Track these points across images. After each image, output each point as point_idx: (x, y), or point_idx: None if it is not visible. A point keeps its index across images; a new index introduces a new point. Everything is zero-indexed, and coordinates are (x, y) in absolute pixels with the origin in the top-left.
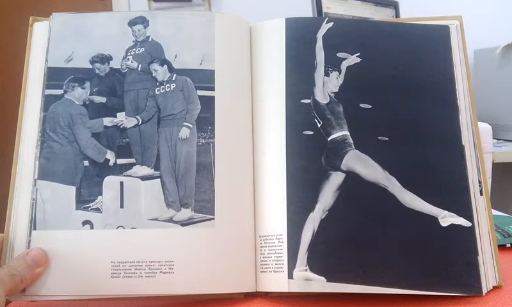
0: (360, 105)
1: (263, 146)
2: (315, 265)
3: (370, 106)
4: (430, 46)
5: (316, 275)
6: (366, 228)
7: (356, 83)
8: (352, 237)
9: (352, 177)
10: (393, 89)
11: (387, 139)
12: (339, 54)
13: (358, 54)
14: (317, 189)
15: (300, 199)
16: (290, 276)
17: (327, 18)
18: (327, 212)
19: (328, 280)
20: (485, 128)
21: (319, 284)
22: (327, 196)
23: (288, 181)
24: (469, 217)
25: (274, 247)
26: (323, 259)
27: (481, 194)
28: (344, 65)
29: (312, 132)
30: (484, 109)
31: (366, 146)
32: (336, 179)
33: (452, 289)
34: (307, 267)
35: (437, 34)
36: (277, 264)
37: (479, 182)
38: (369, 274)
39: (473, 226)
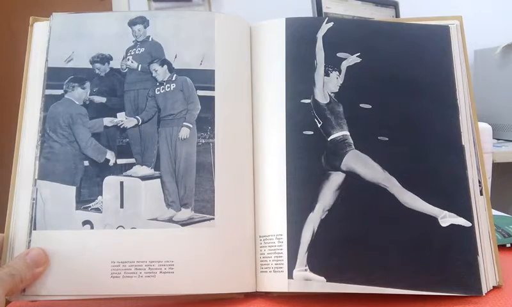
0: (360, 105)
1: (263, 146)
2: (315, 265)
3: (370, 106)
4: (430, 46)
5: (316, 275)
6: (366, 228)
7: (356, 83)
8: (352, 237)
9: (352, 177)
10: (393, 89)
11: (387, 139)
12: (339, 54)
13: (358, 54)
14: (316, 189)
15: (300, 199)
16: (290, 276)
17: (327, 18)
18: (327, 212)
19: (328, 280)
20: (485, 128)
21: (319, 284)
22: (327, 196)
23: (288, 181)
24: (469, 217)
25: (274, 247)
26: (323, 259)
27: (481, 194)
28: (344, 65)
29: (312, 132)
30: (484, 109)
31: (366, 146)
32: (336, 179)
33: (452, 289)
34: (307, 267)
35: (437, 34)
36: (277, 264)
37: (479, 182)
38: (369, 273)
39: (473, 226)
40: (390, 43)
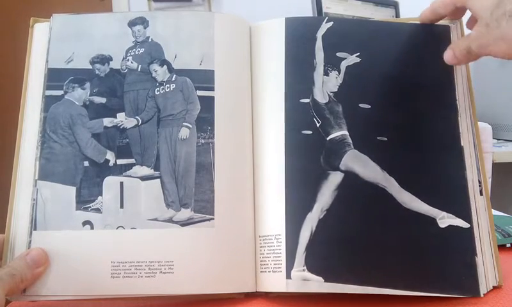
0: (359, 105)
1: (262, 145)
2: (313, 265)
3: (370, 106)
4: (430, 46)
5: (314, 276)
6: (364, 228)
7: (355, 83)
8: (350, 237)
9: (350, 177)
10: (392, 89)
11: (386, 139)
12: (339, 54)
13: (358, 53)
14: (315, 189)
15: (298, 198)
16: (289, 276)
17: (327, 18)
18: (325, 212)
19: (326, 280)
20: (485, 128)
21: (317, 284)
22: (325, 196)
23: (286, 181)
24: (467, 218)
25: (273, 247)
26: (321, 259)
27: (481, 194)
28: (344, 65)
29: (311, 132)
30: (484, 109)
31: (365, 146)
32: (334, 179)
33: (450, 290)
34: (305, 267)
35: (437, 33)
36: (276, 264)
37: (479, 182)
38: (367, 274)
39: (471, 227)
40: (389, 42)
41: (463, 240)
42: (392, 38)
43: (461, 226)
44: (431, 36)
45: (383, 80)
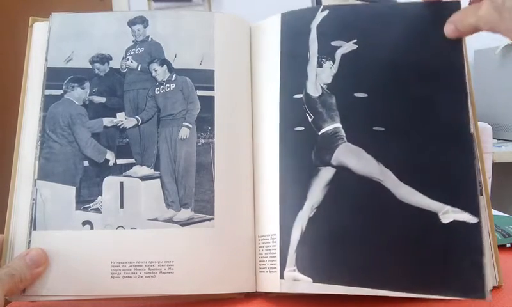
0: (355, 94)
1: (261, 145)
2: (301, 265)
3: (366, 95)
4: (438, 25)
5: (303, 276)
6: (355, 225)
7: (351, 72)
8: (340, 235)
9: (342, 172)
10: (393, 75)
11: (383, 129)
12: (333, 42)
13: (355, 40)
14: (306, 186)
15: (290, 197)
16: (282, 276)
17: (322, 7)
18: (315, 210)
19: (314, 281)
20: (485, 128)
21: (306, 285)
22: (316, 193)
23: (280, 180)
24: (475, 212)
25: (270, 247)
26: (309, 259)
27: (481, 194)
28: (339, 54)
29: (303, 128)
30: (484, 109)
31: (360, 138)
32: (325, 174)
33: (453, 292)
34: (295, 267)
35: (446, 11)
36: (272, 264)
37: (479, 182)
38: (358, 274)
39: (479, 222)
40: (391, 26)
41: (470, 237)
42: (394, 21)
43: (467, 221)
44: (437, 15)
45: (383, 66)
